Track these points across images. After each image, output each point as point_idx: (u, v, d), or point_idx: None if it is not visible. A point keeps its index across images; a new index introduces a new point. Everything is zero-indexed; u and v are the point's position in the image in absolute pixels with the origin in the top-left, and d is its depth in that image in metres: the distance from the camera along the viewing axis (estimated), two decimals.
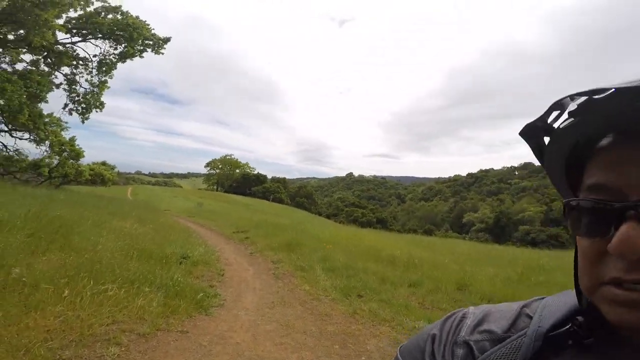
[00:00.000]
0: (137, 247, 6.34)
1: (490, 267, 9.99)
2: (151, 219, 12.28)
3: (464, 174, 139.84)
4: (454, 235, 66.96)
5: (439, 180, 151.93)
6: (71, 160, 18.56)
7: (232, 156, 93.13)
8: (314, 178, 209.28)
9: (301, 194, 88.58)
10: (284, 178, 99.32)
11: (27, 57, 16.61)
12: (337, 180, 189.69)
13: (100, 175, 20.74)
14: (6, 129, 17.32)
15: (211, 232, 14.34)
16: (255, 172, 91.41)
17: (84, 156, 19.24)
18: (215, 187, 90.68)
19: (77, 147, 18.74)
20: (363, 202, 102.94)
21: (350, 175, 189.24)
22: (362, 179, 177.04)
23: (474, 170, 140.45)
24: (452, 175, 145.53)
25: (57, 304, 3.42)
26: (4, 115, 15.45)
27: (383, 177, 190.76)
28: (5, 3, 11.31)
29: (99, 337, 3.16)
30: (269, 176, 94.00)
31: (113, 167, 26.09)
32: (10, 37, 14.23)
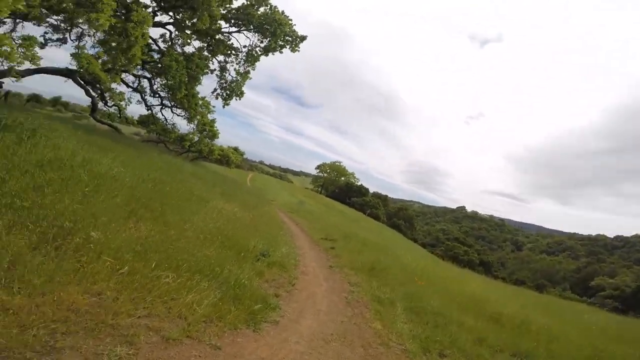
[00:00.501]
0: (225, 233, 6.42)
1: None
2: (254, 206, 12.97)
3: (610, 234, 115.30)
4: (573, 297, 54.83)
5: (573, 236, 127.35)
6: (207, 139, 21.39)
7: (341, 164, 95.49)
8: (418, 202, 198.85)
9: (400, 215, 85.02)
10: (386, 195, 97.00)
11: (197, 43, 19.77)
12: (445, 211, 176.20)
13: (227, 157, 23.40)
14: (169, 104, 21.00)
15: (302, 232, 14.42)
16: (359, 183, 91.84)
17: (218, 137, 22.05)
18: (319, 189, 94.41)
19: (215, 128, 21.53)
20: (470, 240, 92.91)
21: (462, 209, 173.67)
22: (474, 216, 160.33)
23: (628, 233, 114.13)
24: (594, 233, 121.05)
25: (106, 280, 3.31)
26: (169, 92, 18.65)
27: (501, 219, 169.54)
28: None
29: (117, 330, 2.85)
30: (371, 190, 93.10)
31: (242, 153, 29.47)
32: (187, 22, 17.15)
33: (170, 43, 18.77)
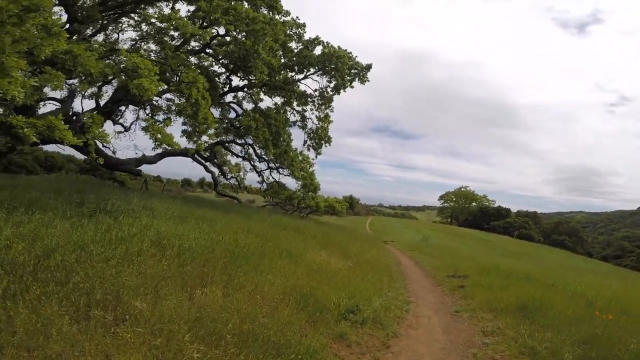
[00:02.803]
0: (302, 291, 5.51)
1: None
2: (357, 253, 11.85)
3: None
4: None
5: None
6: (310, 193, 21.83)
7: (468, 188, 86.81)
8: (580, 212, 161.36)
9: (560, 230, 69.89)
10: (535, 212, 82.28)
11: (272, 100, 20.95)
12: (622, 214, 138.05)
13: (332, 207, 23.33)
14: (274, 166, 22.53)
15: (421, 273, 12.39)
16: (495, 204, 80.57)
17: (320, 189, 22.29)
18: (448, 220, 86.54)
19: (315, 181, 21.94)
20: None
21: None
22: None
23: None
24: None
25: (134, 352, 2.94)
26: (262, 152, 19.93)
27: None
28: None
29: None
30: (514, 209, 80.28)
31: (357, 200, 29.39)
32: (244, 82, 18.55)
33: (243, 103, 20.43)
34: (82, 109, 12.59)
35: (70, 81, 10.41)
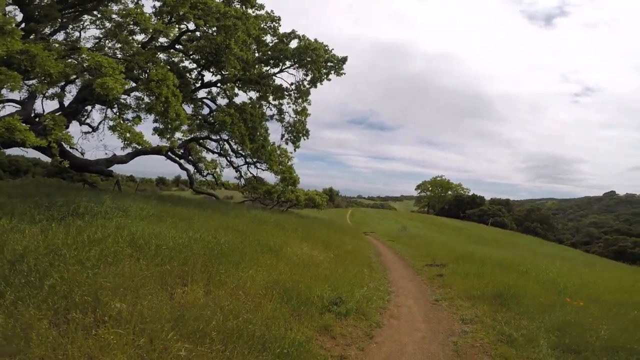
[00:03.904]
0: (285, 285, 5.51)
1: None
2: (338, 245, 11.94)
3: None
4: None
5: None
6: (290, 187, 21.74)
7: (443, 177, 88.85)
8: (550, 199, 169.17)
9: (532, 218, 72.99)
10: (507, 199, 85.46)
11: (247, 95, 20.53)
12: (589, 201, 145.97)
13: (313, 200, 23.35)
14: (252, 161, 22.22)
15: (400, 262, 12.66)
16: (470, 193, 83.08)
17: (299, 182, 22.22)
18: (426, 209, 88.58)
19: (294, 174, 21.84)
20: (637, 228, 73.38)
21: (611, 194, 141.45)
22: (631, 199, 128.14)
23: None
24: None
25: (118, 353, 2.90)
26: (238, 147, 19.63)
27: None
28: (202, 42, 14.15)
29: None
30: (488, 197, 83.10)
31: (336, 192, 29.73)
32: (218, 77, 18.14)
33: (217, 99, 19.94)
34: (44, 110, 11.96)
35: (30, 82, 9.84)
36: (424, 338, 5.03)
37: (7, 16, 6.39)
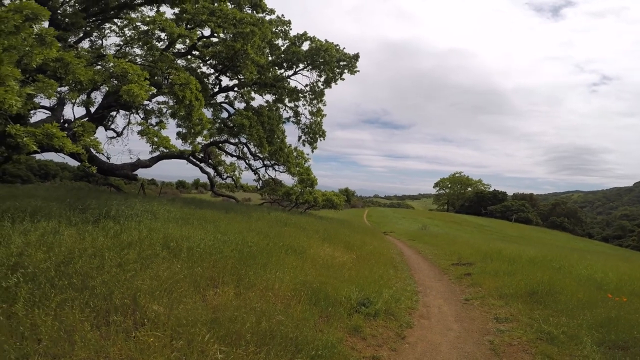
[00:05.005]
0: (312, 286, 5.51)
1: None
2: (360, 245, 11.85)
3: None
4: None
5: None
6: (308, 188, 21.78)
7: (462, 174, 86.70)
8: (576, 192, 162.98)
9: (558, 212, 70.44)
10: (531, 194, 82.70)
11: (264, 97, 20.78)
12: (618, 192, 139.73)
13: (331, 201, 23.30)
14: (270, 164, 22.42)
15: (425, 262, 12.45)
16: (491, 189, 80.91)
17: (317, 183, 22.24)
18: (445, 207, 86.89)
19: (312, 175, 21.87)
20: None
21: None
22: None
23: None
24: None
25: (157, 356, 2.92)
26: (257, 150, 19.83)
27: None
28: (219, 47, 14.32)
29: None
30: (509, 192, 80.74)
31: (352, 193, 29.76)
32: (234, 81, 18.46)
33: (234, 103, 20.30)
34: (74, 117, 12.39)
35: (60, 89, 10.23)
36: (457, 337, 4.91)
37: (45, 27, 6.63)
